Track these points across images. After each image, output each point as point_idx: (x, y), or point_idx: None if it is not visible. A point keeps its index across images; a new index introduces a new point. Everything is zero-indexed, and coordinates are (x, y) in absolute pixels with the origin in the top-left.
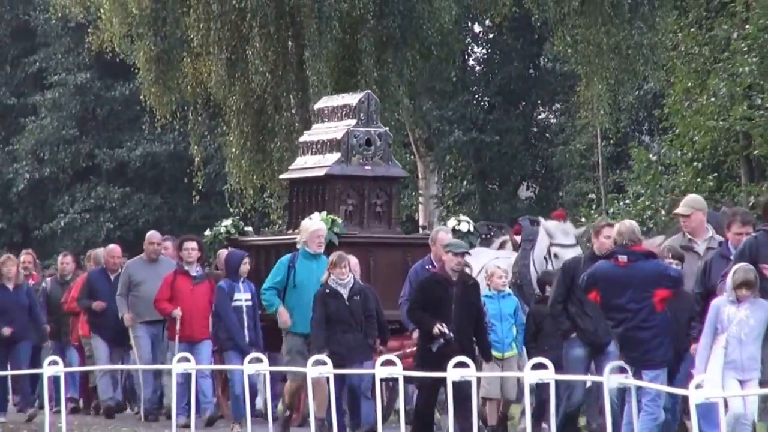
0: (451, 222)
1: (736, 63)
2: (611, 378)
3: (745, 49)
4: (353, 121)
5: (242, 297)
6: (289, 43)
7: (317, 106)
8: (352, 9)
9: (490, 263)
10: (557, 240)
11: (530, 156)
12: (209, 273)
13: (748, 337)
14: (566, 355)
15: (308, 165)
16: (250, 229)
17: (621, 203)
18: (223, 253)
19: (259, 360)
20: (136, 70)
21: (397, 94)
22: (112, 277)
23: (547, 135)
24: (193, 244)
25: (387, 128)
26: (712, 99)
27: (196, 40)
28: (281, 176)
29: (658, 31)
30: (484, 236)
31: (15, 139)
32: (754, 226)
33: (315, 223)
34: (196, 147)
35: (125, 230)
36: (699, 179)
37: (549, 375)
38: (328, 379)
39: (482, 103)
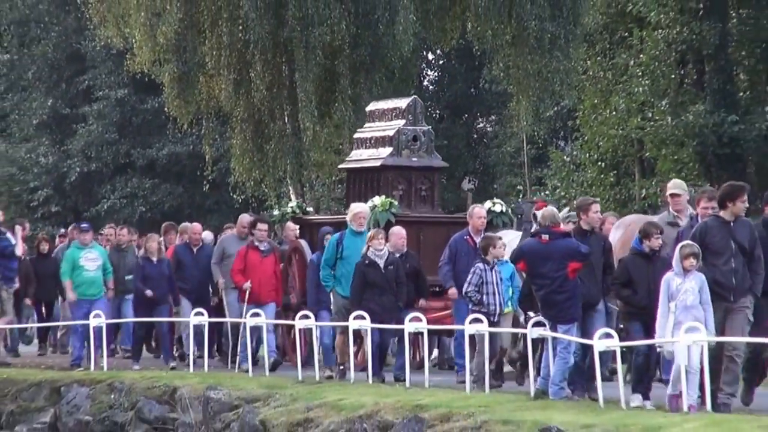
0: (488, 204)
1: (633, 84)
2: (533, 330)
3: (640, 73)
4: (402, 121)
5: None
6: (283, 67)
7: (368, 108)
8: (332, 40)
9: None
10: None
11: (471, 156)
12: (274, 246)
13: (693, 304)
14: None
15: (363, 157)
16: (311, 209)
17: (542, 194)
18: (290, 225)
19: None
20: (163, 87)
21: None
22: (195, 250)
23: (484, 140)
24: (264, 225)
25: (430, 127)
26: (613, 113)
27: (210, 64)
28: (340, 166)
29: (572, 60)
30: (520, 216)
31: (69, 141)
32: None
33: (358, 206)
34: (208, 148)
35: (154, 213)
36: (602, 175)
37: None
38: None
39: (434, 115)
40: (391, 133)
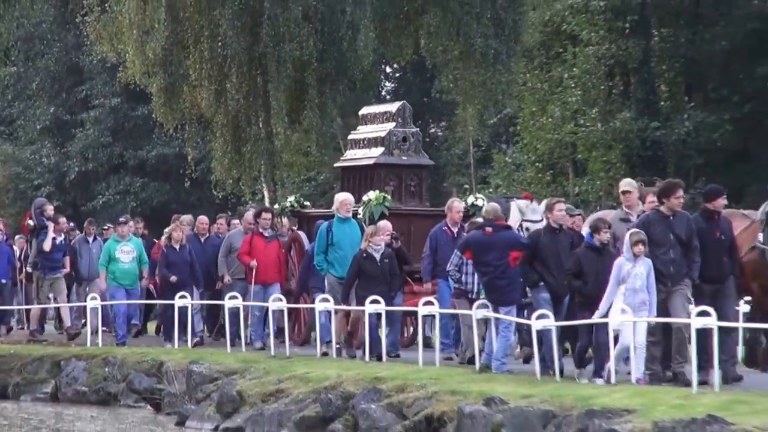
0: (470, 199)
1: (566, 95)
2: (478, 311)
3: (573, 85)
4: (393, 124)
5: None
6: (258, 79)
7: (361, 112)
8: (301, 55)
9: None
10: (527, 216)
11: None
12: (277, 233)
13: (641, 287)
14: (535, 297)
15: (357, 156)
16: (308, 203)
17: (486, 191)
18: (284, 222)
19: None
20: (151, 97)
21: (332, 115)
22: (202, 239)
23: (435, 143)
24: (268, 215)
25: (417, 128)
26: (550, 119)
27: (193, 76)
28: (335, 164)
29: (512, 72)
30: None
31: (68, 144)
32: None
33: (343, 195)
34: (191, 150)
35: (144, 208)
36: (540, 175)
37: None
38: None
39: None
40: (382, 134)
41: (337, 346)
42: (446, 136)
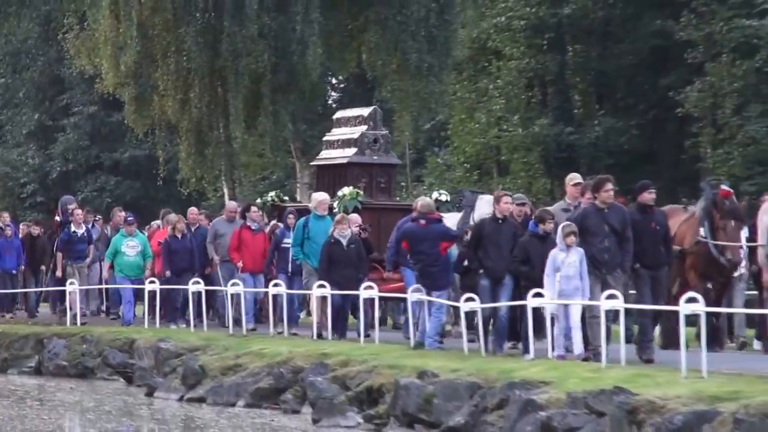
0: (435, 194)
1: (491, 103)
2: (413, 294)
3: (497, 95)
4: (365, 126)
5: (291, 241)
6: (218, 89)
7: (335, 116)
8: (257, 68)
9: None
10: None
11: None
12: (262, 226)
13: (574, 274)
14: (477, 284)
15: (332, 156)
16: (287, 198)
17: (420, 188)
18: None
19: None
20: (125, 105)
21: (284, 121)
22: (193, 228)
23: None
24: (256, 209)
25: (387, 131)
26: (476, 125)
27: (161, 86)
28: (311, 163)
29: (444, 84)
30: (458, 204)
31: (51, 147)
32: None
33: (320, 195)
34: (160, 152)
35: (118, 203)
36: (468, 174)
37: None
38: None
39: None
40: (355, 136)
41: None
42: None
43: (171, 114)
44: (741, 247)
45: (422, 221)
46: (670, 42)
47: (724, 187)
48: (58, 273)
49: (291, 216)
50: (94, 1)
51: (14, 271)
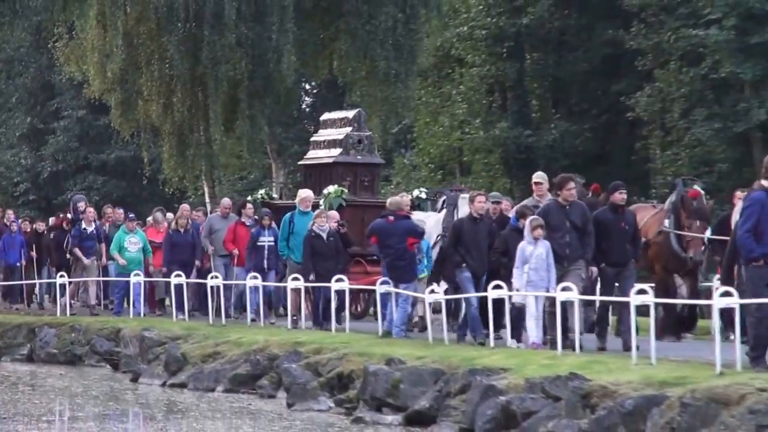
0: (416, 192)
1: (455, 108)
2: (381, 286)
3: (460, 100)
4: (350, 128)
5: (266, 239)
6: (199, 94)
7: (322, 118)
8: (235, 75)
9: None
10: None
11: None
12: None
13: (540, 266)
14: (459, 277)
15: (319, 156)
16: (276, 196)
17: (389, 187)
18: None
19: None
20: (111, 109)
21: (260, 125)
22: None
23: None
24: (250, 206)
25: (371, 132)
26: (440, 128)
27: (145, 92)
28: (299, 162)
29: (410, 89)
30: (434, 200)
31: (42, 148)
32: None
33: (304, 192)
34: (145, 153)
35: (105, 201)
36: (432, 174)
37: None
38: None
39: (309, 129)
40: (340, 137)
41: (294, 318)
42: None
43: (155, 117)
44: (703, 239)
45: (391, 218)
46: (622, 50)
47: (696, 187)
48: (86, 262)
49: (267, 217)
50: (83, 11)
51: (18, 264)
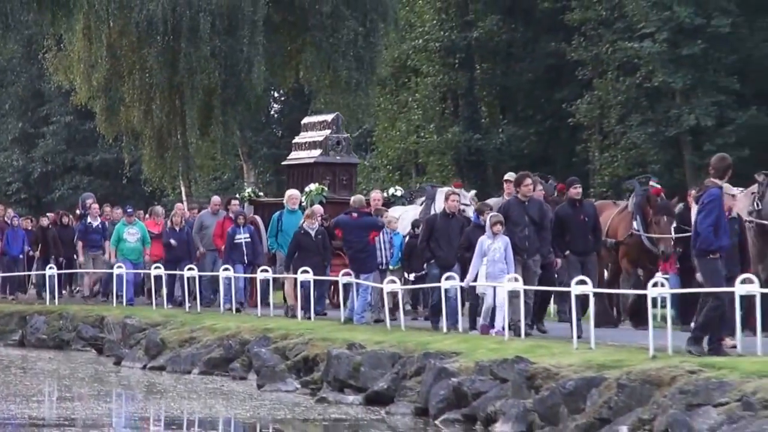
0: (392, 190)
1: (411, 114)
2: (343, 277)
3: (416, 106)
4: (329, 131)
5: (242, 236)
6: (176, 101)
7: (303, 121)
8: (209, 84)
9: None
10: (461, 200)
11: None
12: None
13: (499, 259)
14: (429, 273)
15: (300, 157)
16: (262, 193)
17: (361, 187)
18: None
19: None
20: (96, 115)
21: (233, 129)
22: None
23: None
24: (236, 202)
25: (349, 134)
26: (398, 133)
27: (128, 99)
28: (283, 163)
29: (370, 97)
30: (408, 198)
31: (33, 151)
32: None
33: (292, 191)
34: (126, 155)
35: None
36: (390, 175)
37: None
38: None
39: (278, 134)
40: (320, 139)
41: (290, 306)
42: None
43: (136, 123)
44: (672, 238)
45: (354, 214)
46: (564, 61)
47: (654, 184)
48: (80, 259)
49: (241, 216)
50: (70, 25)
51: (20, 257)
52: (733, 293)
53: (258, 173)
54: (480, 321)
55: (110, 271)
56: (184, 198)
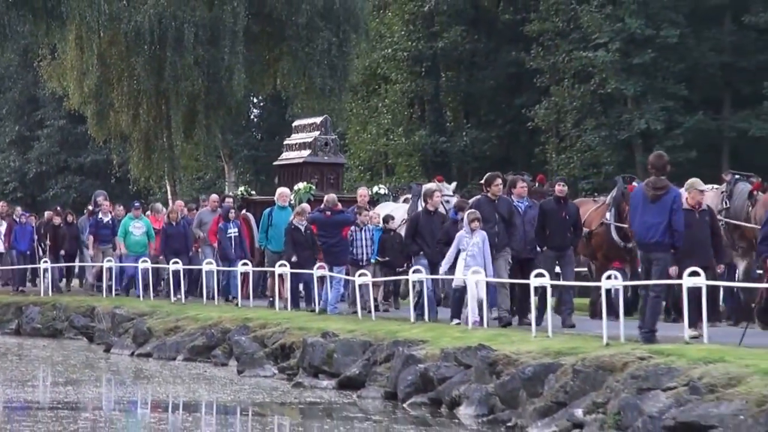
0: (375, 188)
1: (381, 118)
2: (317, 271)
3: (385, 111)
4: (318, 132)
5: (232, 231)
6: (162, 107)
7: (294, 123)
8: (193, 90)
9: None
10: (443, 192)
11: None
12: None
13: (477, 253)
14: (417, 263)
15: (290, 157)
16: (254, 192)
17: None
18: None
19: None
20: (87, 119)
21: (215, 132)
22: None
23: None
24: (229, 200)
25: (336, 136)
26: (369, 135)
27: (117, 104)
28: (274, 163)
29: (343, 102)
30: (394, 195)
31: (28, 152)
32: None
33: (282, 189)
34: (116, 157)
35: (82, 198)
36: (361, 175)
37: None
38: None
39: (257, 137)
40: (309, 140)
41: (271, 299)
42: None
43: (124, 126)
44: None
45: (328, 212)
46: (523, 69)
47: (634, 183)
48: (91, 252)
49: (231, 212)
50: (63, 35)
51: (28, 252)
52: (685, 285)
53: (238, 173)
54: (470, 318)
55: (110, 264)
56: (169, 196)
